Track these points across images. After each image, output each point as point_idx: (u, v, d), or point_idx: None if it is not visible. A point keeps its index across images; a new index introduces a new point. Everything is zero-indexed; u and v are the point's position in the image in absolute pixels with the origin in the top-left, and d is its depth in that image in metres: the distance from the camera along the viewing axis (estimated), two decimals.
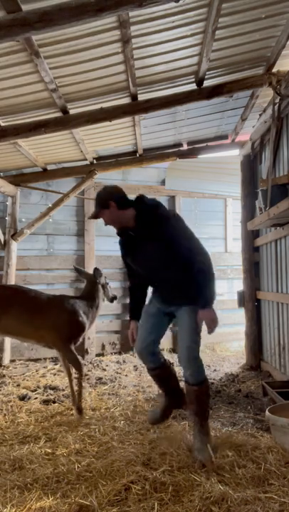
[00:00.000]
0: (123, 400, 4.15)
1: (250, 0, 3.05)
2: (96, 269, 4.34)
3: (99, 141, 5.42)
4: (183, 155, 6.01)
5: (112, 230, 2.92)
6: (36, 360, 6.15)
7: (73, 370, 3.87)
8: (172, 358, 6.39)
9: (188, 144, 5.94)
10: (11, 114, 4.14)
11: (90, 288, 4.26)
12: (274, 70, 4.06)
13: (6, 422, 3.54)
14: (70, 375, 3.86)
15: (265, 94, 4.56)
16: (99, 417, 3.62)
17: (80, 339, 4.01)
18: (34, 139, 4.81)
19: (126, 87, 3.99)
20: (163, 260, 2.74)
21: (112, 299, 4.54)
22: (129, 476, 2.45)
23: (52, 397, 4.23)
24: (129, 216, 2.75)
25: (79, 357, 3.88)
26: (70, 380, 3.85)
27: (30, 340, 3.93)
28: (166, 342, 7.03)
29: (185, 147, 5.98)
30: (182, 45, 3.49)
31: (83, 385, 3.86)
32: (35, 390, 4.51)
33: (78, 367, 3.77)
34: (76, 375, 3.85)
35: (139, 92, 4.09)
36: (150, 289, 3.13)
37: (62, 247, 6.74)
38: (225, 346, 7.28)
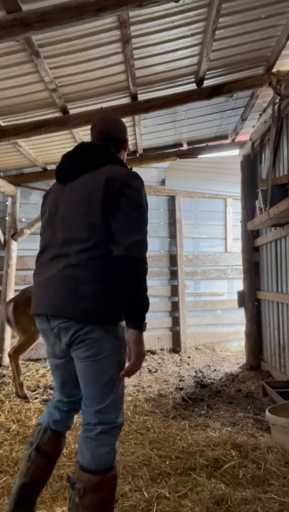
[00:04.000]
0: None
1: (250, 0, 3.06)
2: None
3: None
4: (183, 155, 6.01)
5: None
6: (36, 360, 6.14)
7: None
8: (172, 358, 6.40)
9: (188, 143, 5.94)
10: (11, 114, 4.14)
11: None
12: (274, 70, 4.07)
13: (6, 422, 3.53)
14: None
15: (265, 94, 4.56)
16: None
17: None
18: (34, 139, 4.81)
19: (126, 87, 3.99)
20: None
21: None
22: (129, 476, 2.45)
23: (52, 397, 4.23)
24: None
25: None
26: None
27: None
28: (166, 342, 7.04)
29: (185, 147, 5.98)
30: (182, 45, 3.49)
31: None
32: (35, 390, 4.51)
33: None
34: None
35: (139, 92, 4.09)
36: None
37: None
38: (225, 346, 7.26)
